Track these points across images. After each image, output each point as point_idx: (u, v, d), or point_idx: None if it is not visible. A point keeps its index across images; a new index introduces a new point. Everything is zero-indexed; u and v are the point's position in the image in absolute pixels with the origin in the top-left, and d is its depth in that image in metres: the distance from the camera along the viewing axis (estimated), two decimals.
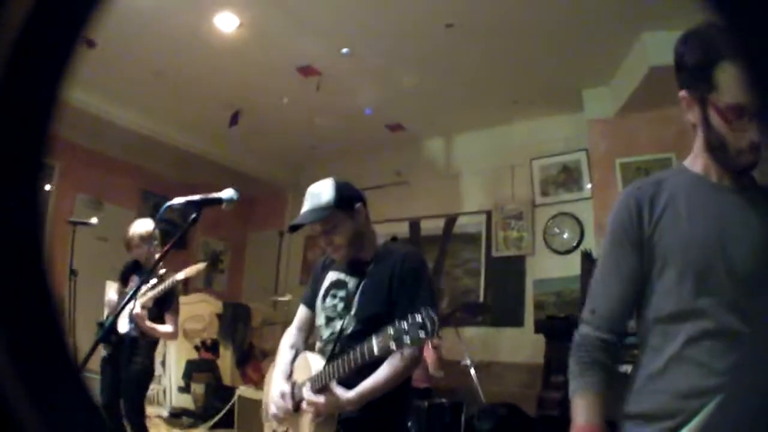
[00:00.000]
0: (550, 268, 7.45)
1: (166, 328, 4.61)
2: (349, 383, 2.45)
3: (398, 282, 2.59)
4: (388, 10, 5.56)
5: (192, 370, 7.84)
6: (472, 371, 6.11)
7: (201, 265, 4.71)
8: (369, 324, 2.48)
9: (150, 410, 5.45)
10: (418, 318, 2.09)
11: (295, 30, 5.89)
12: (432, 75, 6.74)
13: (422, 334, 2.07)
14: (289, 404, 2.59)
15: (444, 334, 6.77)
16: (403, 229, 8.64)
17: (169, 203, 2.58)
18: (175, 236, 2.75)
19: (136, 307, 4.36)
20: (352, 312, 2.62)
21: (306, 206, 2.70)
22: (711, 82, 1.66)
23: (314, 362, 2.62)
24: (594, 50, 5.98)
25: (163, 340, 5.31)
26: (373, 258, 2.73)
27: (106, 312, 4.83)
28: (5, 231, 0.67)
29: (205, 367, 7.97)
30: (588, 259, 6.63)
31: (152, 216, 5.00)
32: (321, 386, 2.44)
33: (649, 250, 1.75)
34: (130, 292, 4.44)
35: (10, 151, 0.67)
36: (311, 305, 2.90)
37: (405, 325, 2.12)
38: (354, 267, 2.76)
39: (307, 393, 2.44)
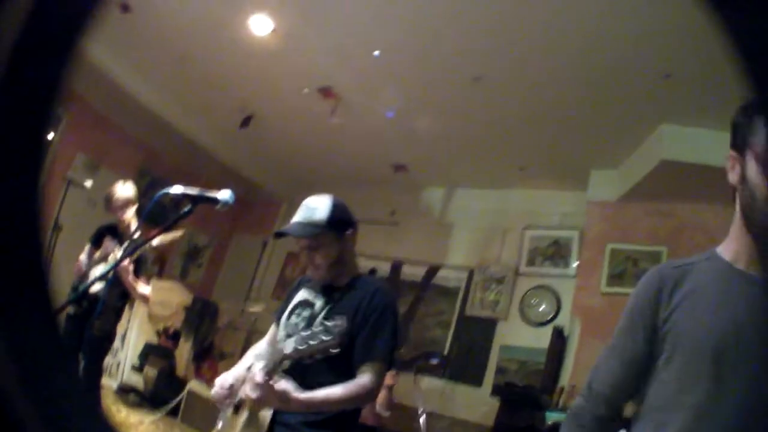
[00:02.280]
0: (519, 337, 7.44)
1: (144, 289, 4.62)
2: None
3: (362, 315, 2.57)
4: (420, 51, 5.59)
5: (149, 353, 7.81)
6: (422, 419, 6.09)
7: (177, 233, 4.65)
8: None
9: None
10: (329, 323, 2.18)
11: (324, 50, 5.91)
12: (448, 124, 6.79)
13: (326, 337, 2.16)
14: (225, 394, 2.58)
15: (401, 378, 6.78)
16: (384, 268, 8.63)
17: (166, 190, 2.60)
18: (165, 224, 2.77)
19: (125, 262, 4.37)
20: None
21: (298, 217, 2.68)
22: (751, 129, 1.62)
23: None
24: (611, 132, 6.04)
25: (127, 310, 5.29)
26: (347, 285, 2.72)
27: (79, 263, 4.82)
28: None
29: (162, 354, 7.93)
30: (559, 337, 6.67)
31: (144, 194, 5.01)
32: (268, 373, 2.34)
33: (661, 336, 1.73)
34: (111, 256, 4.49)
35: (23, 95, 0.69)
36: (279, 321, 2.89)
37: (317, 329, 2.21)
38: (325, 290, 2.75)
39: (259, 375, 2.30)
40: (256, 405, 2.40)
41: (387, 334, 2.57)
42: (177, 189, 2.59)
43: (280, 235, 2.69)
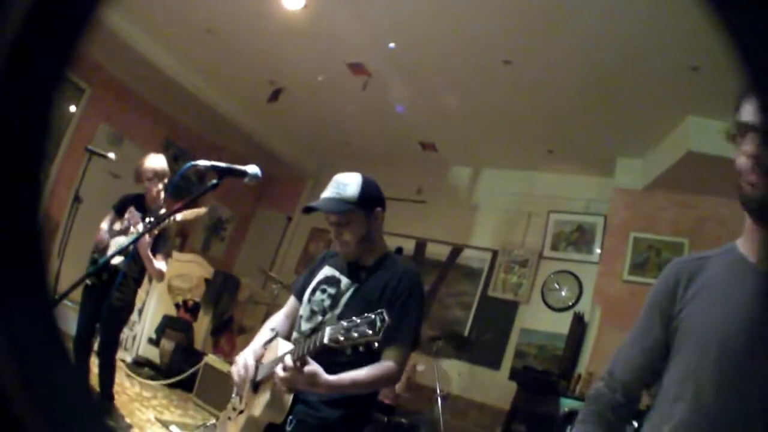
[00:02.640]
0: (540, 321, 7.43)
1: (161, 264, 4.59)
2: None
3: (390, 295, 2.55)
4: (453, 31, 5.54)
5: (166, 326, 7.83)
6: (439, 400, 6.10)
7: (201, 210, 4.59)
8: None
9: None
10: (372, 316, 2.09)
11: (356, 26, 5.88)
12: (478, 105, 6.76)
13: (369, 331, 2.06)
14: (250, 375, 2.56)
15: (422, 359, 6.79)
16: (408, 246, 8.61)
17: (194, 162, 2.57)
18: (191, 196, 2.76)
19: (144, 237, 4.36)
20: (337, 312, 2.58)
21: (328, 192, 2.64)
22: (735, 118, 1.62)
23: (283, 350, 2.54)
24: (639, 122, 5.98)
25: (146, 283, 5.30)
26: (374, 265, 2.70)
27: (101, 238, 4.82)
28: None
29: (180, 327, 7.96)
30: (579, 323, 6.62)
31: (169, 167, 4.98)
32: (299, 359, 2.34)
33: (673, 328, 1.75)
34: (133, 228, 4.49)
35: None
36: (300, 295, 2.85)
37: (358, 320, 2.11)
38: (352, 269, 2.72)
39: (288, 360, 2.33)
40: (286, 388, 2.40)
41: (413, 318, 2.57)
42: (204, 162, 2.56)
43: (309, 210, 2.66)
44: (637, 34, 4.78)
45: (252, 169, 2.61)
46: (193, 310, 8.23)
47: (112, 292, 4.53)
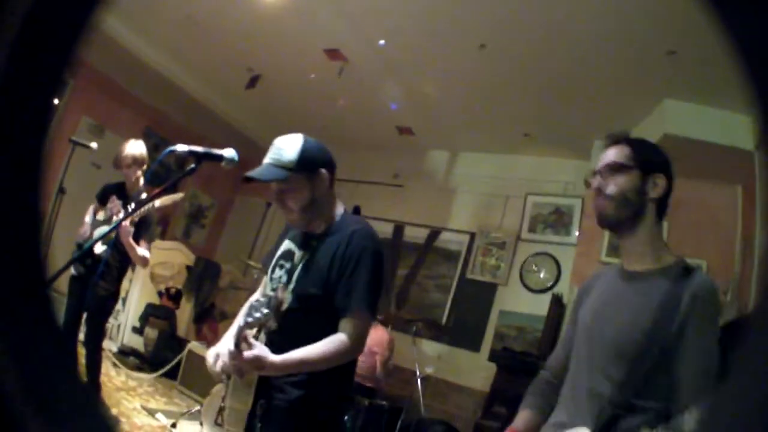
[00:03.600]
0: (518, 303, 7.52)
1: (143, 251, 4.59)
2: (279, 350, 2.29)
3: (339, 263, 2.42)
4: (427, 15, 5.56)
5: (150, 314, 7.85)
6: (419, 383, 6.17)
7: (178, 195, 4.62)
8: (304, 303, 2.41)
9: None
10: (270, 295, 2.13)
11: (332, 12, 5.89)
12: (454, 89, 6.79)
13: (265, 310, 2.11)
14: (218, 366, 2.43)
15: (400, 340, 6.85)
16: (386, 230, 8.66)
17: (172, 148, 2.56)
18: (170, 181, 2.76)
19: (124, 222, 4.37)
20: (290, 287, 2.46)
21: (267, 158, 2.52)
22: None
23: None
24: (615, 104, 6.02)
25: (130, 272, 5.32)
26: (324, 231, 2.56)
27: (82, 231, 4.83)
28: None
29: (163, 315, 7.97)
30: (557, 304, 6.70)
31: (149, 155, 4.99)
32: (238, 342, 2.25)
33: (576, 326, 2.26)
34: (115, 217, 4.50)
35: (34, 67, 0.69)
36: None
37: (262, 299, 2.18)
38: (304, 239, 2.60)
39: (231, 345, 2.25)
40: (235, 374, 2.32)
41: (366, 282, 2.41)
42: (182, 147, 2.54)
43: (248, 180, 2.49)
44: (613, 18, 4.80)
45: (229, 152, 2.52)
46: (175, 297, 8.24)
47: (95, 280, 4.55)
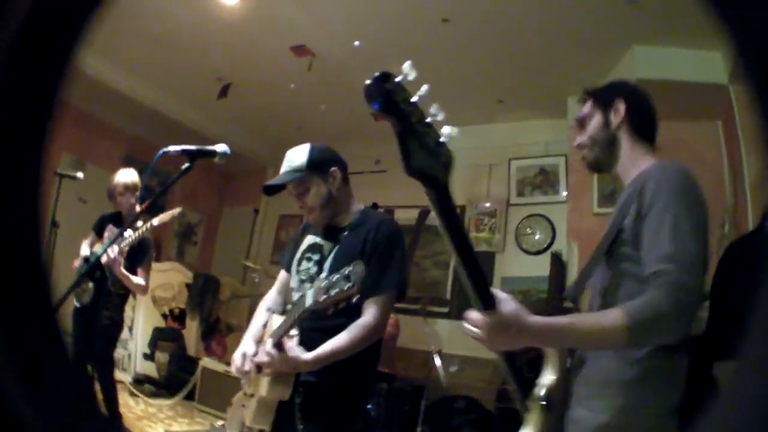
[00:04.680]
0: (519, 267, 7.55)
1: (138, 279, 4.61)
2: (312, 346, 2.42)
3: (371, 248, 2.58)
4: None
5: (158, 338, 7.84)
6: (437, 359, 6.17)
7: (175, 211, 4.64)
8: None
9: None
10: (346, 271, 2.11)
11: (293, 9, 5.90)
12: (422, 66, 6.64)
13: (345, 285, 2.08)
14: (246, 366, 2.56)
15: (412, 322, 6.87)
16: None
17: (164, 150, 2.63)
18: (165, 186, 2.78)
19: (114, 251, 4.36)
20: (323, 276, 2.47)
21: (282, 169, 2.73)
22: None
23: (277, 324, 2.57)
24: (584, 58, 6.01)
25: (132, 299, 5.31)
26: (349, 224, 2.73)
27: (76, 264, 4.82)
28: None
29: (171, 337, 7.97)
30: (558, 262, 6.72)
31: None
32: (277, 343, 2.40)
33: None
34: (108, 241, 4.48)
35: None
36: (289, 268, 2.89)
37: (335, 277, 2.14)
38: (329, 232, 2.76)
39: (268, 347, 2.40)
40: (273, 374, 2.44)
41: (394, 265, 2.59)
42: (174, 148, 2.67)
43: (268, 189, 2.74)
44: None
45: (221, 147, 2.73)
46: (180, 317, 8.23)
47: (99, 311, 4.54)
